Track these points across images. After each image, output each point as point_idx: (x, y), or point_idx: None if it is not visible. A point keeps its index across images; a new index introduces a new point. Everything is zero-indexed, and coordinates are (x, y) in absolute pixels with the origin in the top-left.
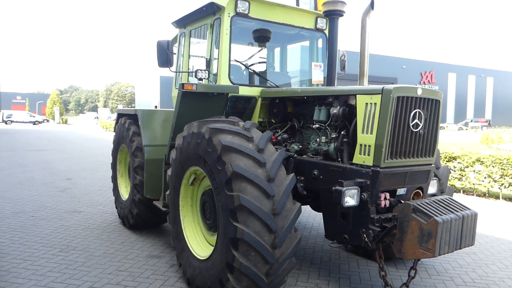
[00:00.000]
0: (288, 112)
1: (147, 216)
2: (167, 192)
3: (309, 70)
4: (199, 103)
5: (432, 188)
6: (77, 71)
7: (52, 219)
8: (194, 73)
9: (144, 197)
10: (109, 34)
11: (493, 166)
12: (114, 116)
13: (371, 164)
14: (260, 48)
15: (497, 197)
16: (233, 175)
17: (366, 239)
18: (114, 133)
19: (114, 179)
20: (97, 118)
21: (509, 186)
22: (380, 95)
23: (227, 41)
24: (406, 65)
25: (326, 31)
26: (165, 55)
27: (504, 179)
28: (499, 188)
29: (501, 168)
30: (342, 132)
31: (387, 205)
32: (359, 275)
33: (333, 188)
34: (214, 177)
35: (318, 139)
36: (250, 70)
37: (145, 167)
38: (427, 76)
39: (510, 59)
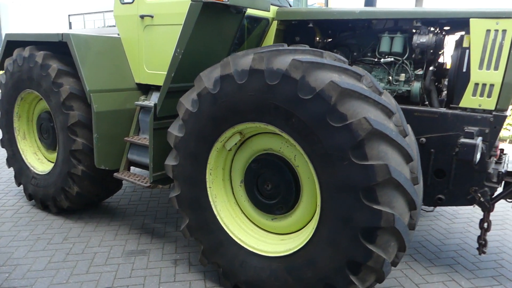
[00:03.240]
0: (317, 41)
1: (92, 194)
2: (172, 162)
3: None
4: (210, 25)
5: None
6: None
7: None
8: None
9: (92, 168)
10: None
11: None
12: None
13: (493, 108)
14: None
15: None
16: (370, 134)
17: (481, 198)
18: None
19: (10, 143)
20: None
21: None
22: None
23: None
24: None
25: None
26: None
27: None
28: None
29: None
30: (431, 68)
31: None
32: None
33: (460, 141)
34: (319, 138)
35: (389, 78)
36: None
37: (96, 125)
38: None
39: None
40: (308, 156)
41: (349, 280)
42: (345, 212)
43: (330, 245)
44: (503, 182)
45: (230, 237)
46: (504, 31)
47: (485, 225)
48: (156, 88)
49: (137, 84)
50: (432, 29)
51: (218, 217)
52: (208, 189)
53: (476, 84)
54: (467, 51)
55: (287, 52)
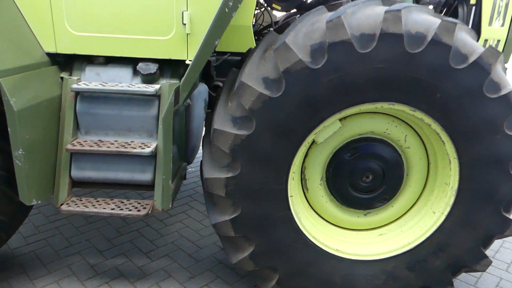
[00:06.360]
0: None
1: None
2: (224, 174)
3: None
4: None
5: None
6: None
7: None
8: None
9: (6, 213)
10: None
11: None
12: None
13: None
14: None
15: None
16: None
17: None
18: None
19: None
20: None
21: None
22: None
23: None
24: None
25: None
26: None
27: None
28: None
29: None
30: None
31: None
32: None
33: None
34: (469, 113)
35: None
36: None
37: (17, 133)
38: None
39: None
40: (449, 134)
41: (482, 255)
42: (489, 188)
43: (466, 225)
44: None
45: (324, 251)
46: None
47: None
48: (86, 58)
49: (48, 54)
50: None
51: (304, 231)
52: (290, 199)
53: (486, 40)
54: (474, 8)
55: (413, 9)
